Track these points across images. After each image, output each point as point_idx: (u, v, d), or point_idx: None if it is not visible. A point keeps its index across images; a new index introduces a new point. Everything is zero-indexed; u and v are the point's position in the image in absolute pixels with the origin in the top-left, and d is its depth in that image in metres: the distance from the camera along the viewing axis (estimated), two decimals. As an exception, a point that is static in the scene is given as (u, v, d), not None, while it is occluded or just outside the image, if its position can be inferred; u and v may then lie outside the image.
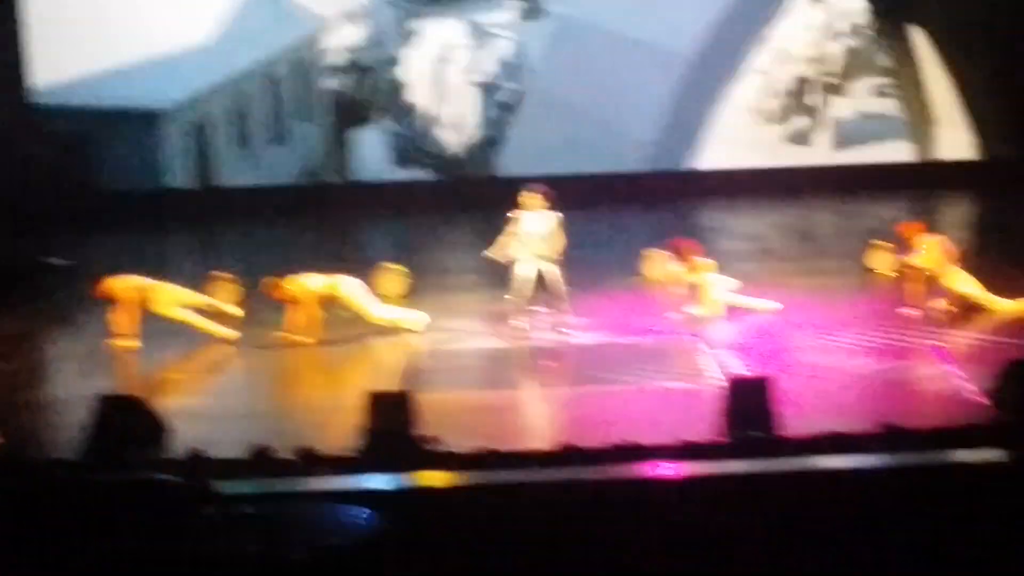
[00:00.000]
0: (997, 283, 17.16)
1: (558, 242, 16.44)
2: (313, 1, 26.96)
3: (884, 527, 6.83)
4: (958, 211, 24.09)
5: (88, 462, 11.51)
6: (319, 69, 27.09)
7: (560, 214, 16.49)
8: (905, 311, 16.87)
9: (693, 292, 17.21)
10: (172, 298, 16.95)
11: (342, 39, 27.09)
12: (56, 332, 18.63)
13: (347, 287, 17.05)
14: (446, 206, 24.93)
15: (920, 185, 24.94)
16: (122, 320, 16.75)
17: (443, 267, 21.10)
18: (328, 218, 24.94)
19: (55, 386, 16.03)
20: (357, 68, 27.07)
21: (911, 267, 17.07)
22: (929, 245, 17.03)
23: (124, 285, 16.91)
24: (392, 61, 27.06)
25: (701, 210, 24.14)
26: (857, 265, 19.36)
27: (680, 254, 17.58)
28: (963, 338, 16.09)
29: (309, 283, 16.93)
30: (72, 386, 15.38)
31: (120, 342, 16.62)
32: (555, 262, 16.41)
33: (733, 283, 17.52)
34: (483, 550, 6.56)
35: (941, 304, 16.88)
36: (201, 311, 17.13)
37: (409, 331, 16.95)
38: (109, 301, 16.88)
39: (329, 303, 17.00)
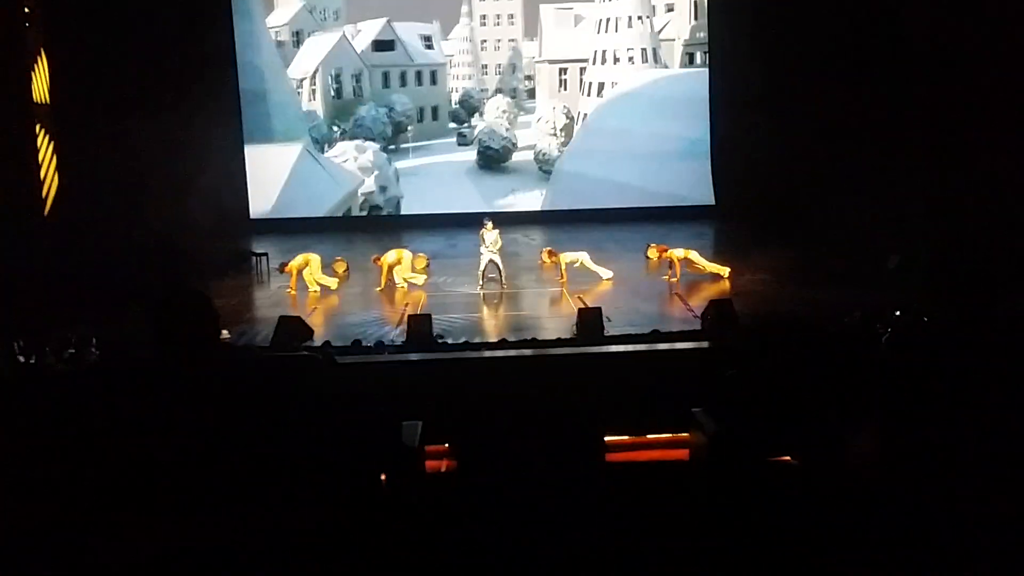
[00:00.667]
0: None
1: (498, 243, 16.58)
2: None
3: (654, 380, 6.88)
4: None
5: (272, 348, 11.42)
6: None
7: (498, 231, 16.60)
8: (665, 278, 17.07)
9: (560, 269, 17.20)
10: (316, 266, 16.86)
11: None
12: (257, 286, 18.42)
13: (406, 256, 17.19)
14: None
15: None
16: (294, 281, 16.68)
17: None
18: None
19: (256, 313, 15.87)
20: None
21: (668, 257, 17.25)
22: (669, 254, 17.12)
23: (295, 263, 16.87)
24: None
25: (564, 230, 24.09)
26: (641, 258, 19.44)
27: (550, 254, 17.58)
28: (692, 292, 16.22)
29: (390, 256, 16.94)
30: (266, 314, 15.23)
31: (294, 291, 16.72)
32: (498, 254, 16.54)
33: (584, 255, 17.46)
34: (462, 393, 6.53)
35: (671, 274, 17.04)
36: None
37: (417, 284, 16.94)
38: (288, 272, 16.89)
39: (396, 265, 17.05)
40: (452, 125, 26.65)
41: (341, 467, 3.61)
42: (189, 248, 18.79)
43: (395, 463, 4.14)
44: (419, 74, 26.36)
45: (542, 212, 25.60)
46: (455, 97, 26.80)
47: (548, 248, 17.84)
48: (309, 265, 17.07)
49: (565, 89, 26.61)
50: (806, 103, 20.55)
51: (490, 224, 16.57)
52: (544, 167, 26.19)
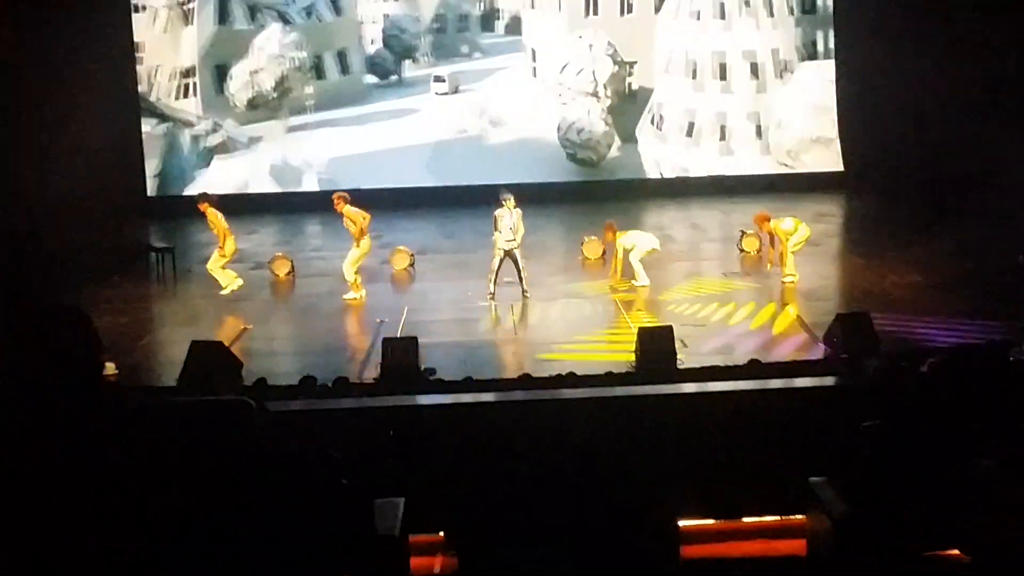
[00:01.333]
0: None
1: (520, 231, 16.53)
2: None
3: (750, 435, 6.88)
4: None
5: (181, 389, 11.50)
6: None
7: (520, 211, 16.58)
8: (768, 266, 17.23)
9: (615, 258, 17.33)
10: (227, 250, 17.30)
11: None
12: (158, 295, 18.55)
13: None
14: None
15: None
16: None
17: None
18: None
19: (158, 333, 15.95)
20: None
21: (770, 231, 17.22)
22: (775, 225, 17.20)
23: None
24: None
25: (620, 207, 24.09)
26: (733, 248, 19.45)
27: (608, 229, 17.55)
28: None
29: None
30: (171, 337, 15.32)
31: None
32: (518, 247, 16.51)
33: (650, 242, 17.50)
34: (464, 452, 6.56)
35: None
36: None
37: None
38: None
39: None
40: (370, 79, 26.83)
41: (283, 567, 3.62)
42: (60, 241, 18.91)
43: (365, 559, 4.15)
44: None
45: (583, 184, 25.67)
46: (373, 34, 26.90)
47: (609, 222, 17.66)
48: (222, 242, 17.21)
49: (595, 12, 26.44)
50: (966, 41, 21.05)
51: (510, 200, 16.52)
52: (578, 152, 26.28)
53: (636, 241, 17.30)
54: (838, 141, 26.22)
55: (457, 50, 26.69)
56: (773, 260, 17.32)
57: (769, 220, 17.29)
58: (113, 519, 3.57)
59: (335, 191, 17.32)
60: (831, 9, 26.44)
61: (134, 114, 25.46)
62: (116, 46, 24.66)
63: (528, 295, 16.52)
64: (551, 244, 20.69)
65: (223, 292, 17.05)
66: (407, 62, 26.68)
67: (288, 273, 18.82)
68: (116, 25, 24.71)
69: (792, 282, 16.79)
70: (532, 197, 20.17)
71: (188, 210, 17.16)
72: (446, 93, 26.56)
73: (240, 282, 17.29)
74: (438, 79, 26.58)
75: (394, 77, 26.66)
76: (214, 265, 17.27)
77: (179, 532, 3.60)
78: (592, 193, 24.82)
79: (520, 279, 16.59)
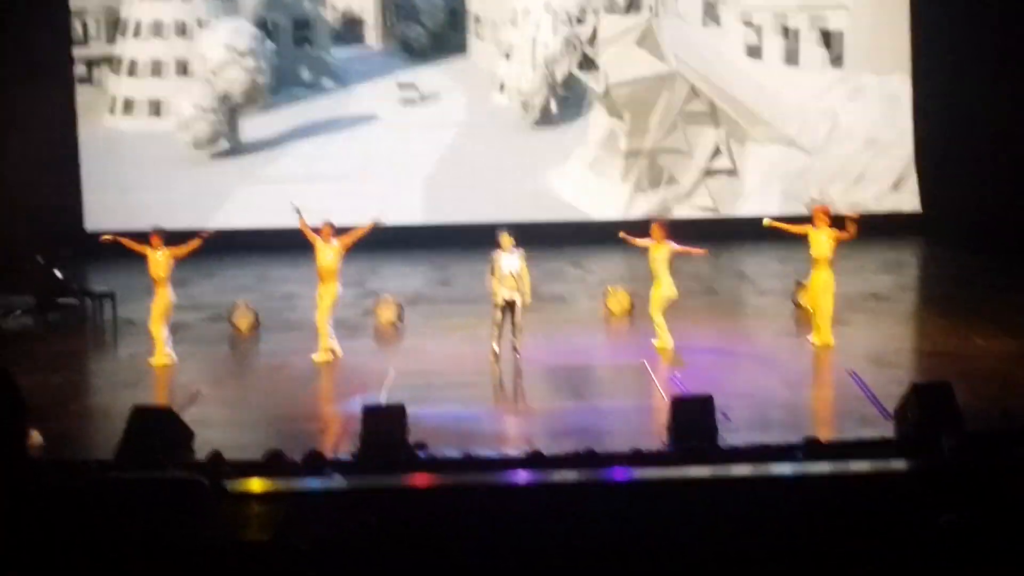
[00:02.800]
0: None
1: (525, 276, 16.52)
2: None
3: (804, 528, 6.87)
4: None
5: (121, 463, 11.49)
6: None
7: (523, 251, 16.57)
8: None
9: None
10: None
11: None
12: (94, 350, 18.58)
13: None
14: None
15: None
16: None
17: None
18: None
19: (94, 396, 15.95)
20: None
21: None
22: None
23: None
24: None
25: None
26: (786, 301, 19.45)
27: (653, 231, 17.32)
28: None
29: None
30: (109, 401, 15.32)
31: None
32: (521, 293, 16.47)
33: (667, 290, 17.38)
34: (463, 543, 6.56)
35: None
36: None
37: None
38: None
39: None
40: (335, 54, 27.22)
41: None
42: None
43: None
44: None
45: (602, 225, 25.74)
46: None
47: (659, 221, 17.33)
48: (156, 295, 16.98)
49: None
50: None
51: (506, 238, 16.54)
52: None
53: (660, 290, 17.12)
54: (915, 175, 26.26)
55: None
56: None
57: (829, 215, 17.07)
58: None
59: (315, 226, 17.09)
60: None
61: (70, 130, 25.68)
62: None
63: (519, 353, 16.47)
64: (567, 294, 20.74)
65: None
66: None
67: (252, 326, 18.83)
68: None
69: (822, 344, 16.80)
70: (538, 237, 20.27)
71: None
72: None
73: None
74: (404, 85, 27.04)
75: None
76: (157, 325, 17.08)
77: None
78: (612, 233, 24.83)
79: (513, 332, 16.52)
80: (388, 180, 26.30)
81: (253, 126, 26.82)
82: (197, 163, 26.59)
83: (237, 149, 26.79)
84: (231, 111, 26.63)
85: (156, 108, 26.60)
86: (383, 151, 26.71)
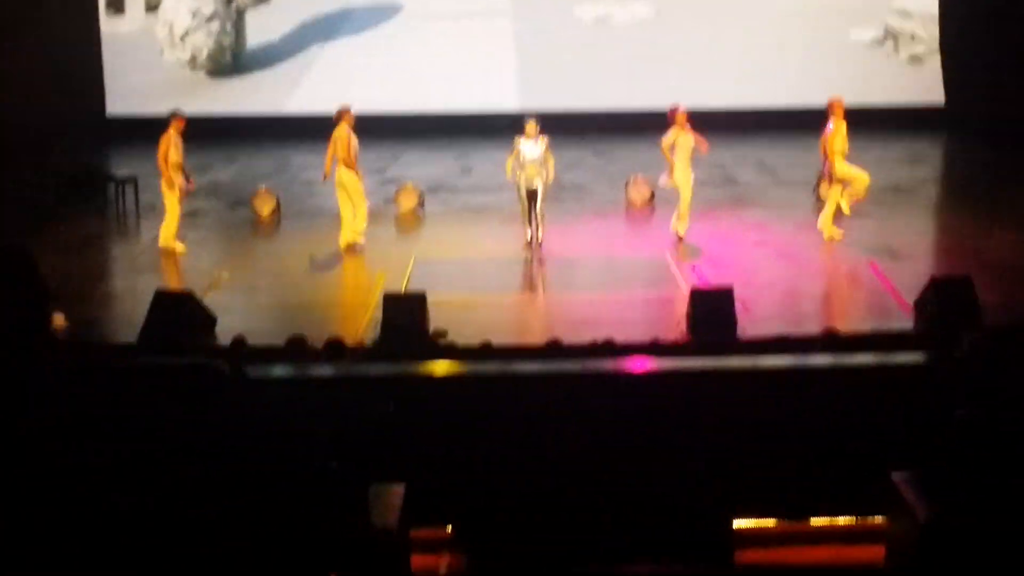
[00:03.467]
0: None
1: (550, 164, 16.48)
2: None
3: (821, 418, 6.89)
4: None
5: (143, 347, 11.56)
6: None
7: (547, 139, 16.52)
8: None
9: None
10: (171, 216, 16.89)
11: None
12: (117, 235, 18.63)
13: None
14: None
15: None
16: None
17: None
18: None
19: (117, 280, 16.02)
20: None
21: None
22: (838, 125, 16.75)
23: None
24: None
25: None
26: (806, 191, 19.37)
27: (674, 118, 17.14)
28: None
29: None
30: (132, 285, 15.38)
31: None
32: (545, 181, 16.45)
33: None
34: (479, 431, 6.59)
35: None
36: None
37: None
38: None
39: None
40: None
41: (261, 565, 3.65)
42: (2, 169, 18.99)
43: (358, 556, 4.17)
44: None
45: (629, 114, 25.56)
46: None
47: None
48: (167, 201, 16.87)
49: None
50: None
51: (532, 126, 16.48)
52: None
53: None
54: (940, 61, 25.97)
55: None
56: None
57: (843, 108, 16.81)
58: (60, 502, 3.61)
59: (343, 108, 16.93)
60: None
61: (91, 13, 25.53)
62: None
63: (539, 243, 16.50)
64: (587, 184, 20.69)
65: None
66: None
67: (273, 212, 18.83)
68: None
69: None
70: (563, 125, 20.15)
71: (155, 133, 17.09)
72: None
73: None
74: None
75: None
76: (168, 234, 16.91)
77: (138, 520, 3.64)
78: (635, 123, 24.64)
79: (536, 224, 16.54)
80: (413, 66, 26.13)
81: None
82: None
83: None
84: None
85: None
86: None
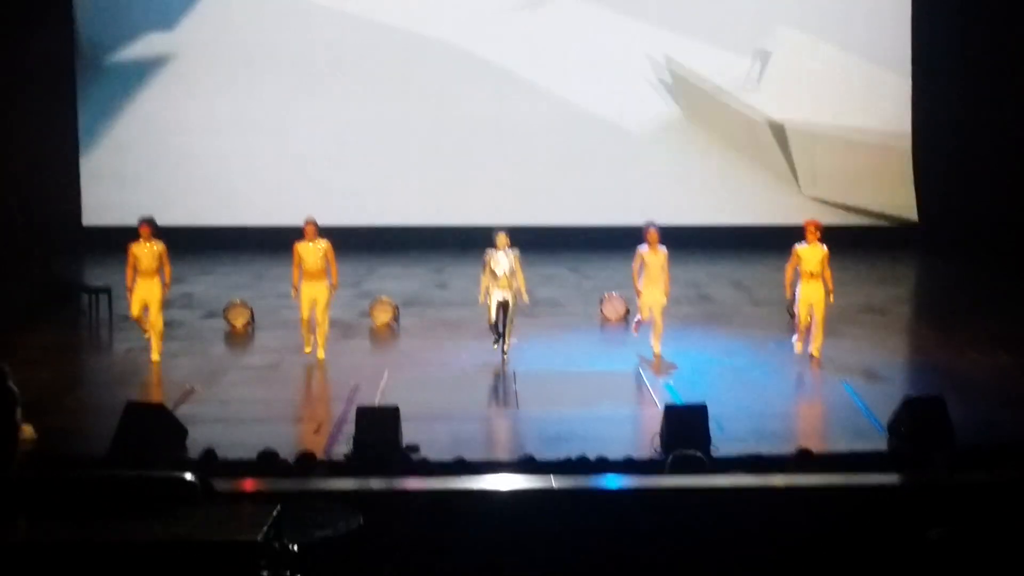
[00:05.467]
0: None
1: (519, 275, 16.57)
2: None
3: (793, 538, 6.87)
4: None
5: (114, 459, 11.49)
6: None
7: (517, 251, 16.60)
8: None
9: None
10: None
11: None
12: (89, 345, 18.56)
13: None
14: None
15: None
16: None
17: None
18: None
19: (89, 391, 15.93)
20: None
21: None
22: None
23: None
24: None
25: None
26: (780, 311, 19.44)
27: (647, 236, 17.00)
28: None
29: None
30: (103, 396, 15.31)
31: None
32: (515, 293, 16.50)
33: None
34: (452, 546, 6.56)
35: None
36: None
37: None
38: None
39: None
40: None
41: None
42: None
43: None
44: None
45: (611, 229, 25.71)
46: None
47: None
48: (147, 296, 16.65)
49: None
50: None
51: (502, 237, 16.55)
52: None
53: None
54: (912, 182, 26.21)
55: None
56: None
57: (820, 229, 16.85)
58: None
59: (307, 221, 17.02)
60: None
61: (71, 125, 25.69)
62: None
63: (506, 355, 16.54)
64: (561, 299, 20.76)
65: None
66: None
67: (246, 324, 18.83)
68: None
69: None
70: (535, 240, 20.24)
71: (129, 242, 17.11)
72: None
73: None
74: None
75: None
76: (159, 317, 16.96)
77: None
78: (610, 239, 24.77)
79: (504, 332, 16.59)
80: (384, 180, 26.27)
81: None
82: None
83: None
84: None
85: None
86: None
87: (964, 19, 24.75)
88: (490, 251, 16.57)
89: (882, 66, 26.15)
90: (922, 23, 25.88)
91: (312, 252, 16.69)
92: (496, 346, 16.64)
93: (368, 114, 26.34)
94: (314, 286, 16.70)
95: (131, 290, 16.64)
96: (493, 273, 16.51)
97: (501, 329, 16.64)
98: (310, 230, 16.76)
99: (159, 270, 16.66)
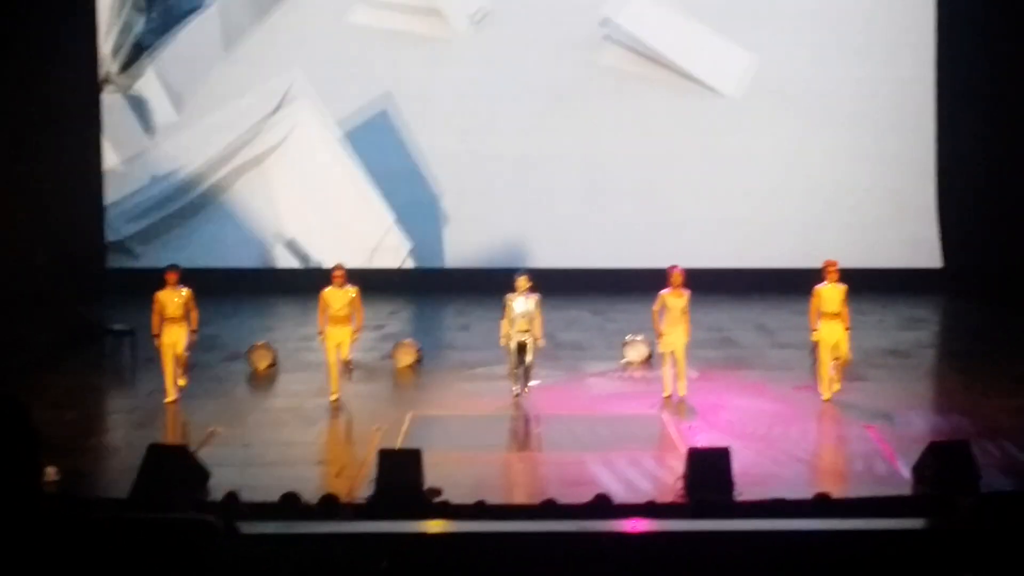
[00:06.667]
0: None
1: (538, 319, 16.61)
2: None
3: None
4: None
5: (136, 501, 11.49)
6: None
7: (538, 295, 16.63)
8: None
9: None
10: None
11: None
12: (113, 387, 18.61)
13: None
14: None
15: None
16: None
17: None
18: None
19: (111, 433, 15.97)
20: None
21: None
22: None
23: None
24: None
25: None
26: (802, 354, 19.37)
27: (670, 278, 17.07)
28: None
29: None
30: (125, 438, 15.34)
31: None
32: (533, 336, 16.51)
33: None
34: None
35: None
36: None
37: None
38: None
39: None
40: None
41: None
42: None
43: None
44: None
45: (627, 272, 25.71)
46: None
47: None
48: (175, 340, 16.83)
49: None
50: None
51: (523, 281, 16.56)
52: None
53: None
54: (937, 229, 26.18)
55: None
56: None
57: (838, 269, 16.91)
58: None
59: (335, 267, 17.12)
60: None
61: (95, 170, 25.83)
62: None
63: (524, 395, 16.67)
64: (584, 342, 20.73)
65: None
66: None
67: (269, 366, 18.85)
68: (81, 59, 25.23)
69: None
70: (559, 283, 20.23)
71: (153, 286, 17.15)
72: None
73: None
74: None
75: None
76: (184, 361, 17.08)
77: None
78: (633, 282, 24.76)
79: (524, 374, 16.62)
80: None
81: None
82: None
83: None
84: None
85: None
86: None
87: (989, 62, 24.74)
88: (510, 295, 16.61)
89: (905, 109, 26.21)
90: (943, 68, 26.00)
91: (340, 298, 16.79)
92: (516, 392, 16.64)
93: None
94: (340, 331, 16.81)
95: (158, 336, 16.74)
96: (512, 317, 16.55)
97: (520, 372, 16.66)
98: (339, 276, 16.85)
99: (185, 316, 16.75)
